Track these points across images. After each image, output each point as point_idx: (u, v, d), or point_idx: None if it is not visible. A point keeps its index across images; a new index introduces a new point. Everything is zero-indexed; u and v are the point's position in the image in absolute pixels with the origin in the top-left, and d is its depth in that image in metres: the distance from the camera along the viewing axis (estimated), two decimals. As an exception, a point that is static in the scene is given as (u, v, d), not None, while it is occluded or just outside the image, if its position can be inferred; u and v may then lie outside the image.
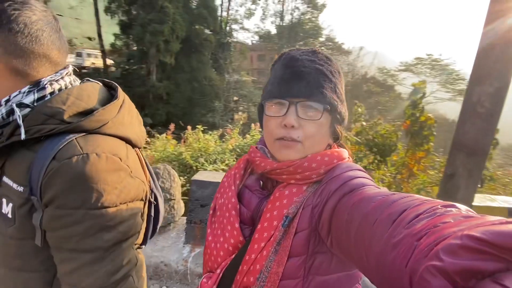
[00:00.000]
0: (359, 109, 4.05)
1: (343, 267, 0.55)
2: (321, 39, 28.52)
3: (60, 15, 26.24)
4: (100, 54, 20.28)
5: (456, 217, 0.29)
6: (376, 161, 3.51)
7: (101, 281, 0.56)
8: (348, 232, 0.43)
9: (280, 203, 0.56)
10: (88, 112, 0.58)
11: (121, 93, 0.67)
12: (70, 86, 0.61)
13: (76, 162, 0.52)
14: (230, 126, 4.41)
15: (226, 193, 0.65)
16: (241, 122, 4.59)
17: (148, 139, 4.08)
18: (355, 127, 3.79)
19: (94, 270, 0.56)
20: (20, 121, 0.52)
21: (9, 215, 0.55)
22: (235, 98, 22.36)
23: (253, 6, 27.54)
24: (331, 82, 0.58)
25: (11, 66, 0.52)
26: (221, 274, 0.58)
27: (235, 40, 24.65)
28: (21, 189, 0.54)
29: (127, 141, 0.65)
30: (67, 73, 0.62)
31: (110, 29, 22.24)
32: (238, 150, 3.93)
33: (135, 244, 0.70)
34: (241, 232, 0.59)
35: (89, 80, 0.66)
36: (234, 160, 3.46)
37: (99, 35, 19.39)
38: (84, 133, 0.56)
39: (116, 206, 0.57)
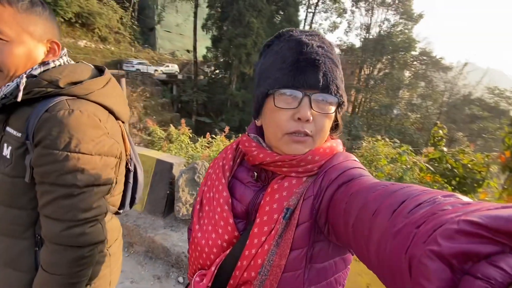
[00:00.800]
0: (440, 131, 3.40)
1: (339, 252, 0.55)
2: (413, 53, 25.54)
3: (169, 32, 31.57)
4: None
5: (455, 204, 0.30)
6: (455, 196, 2.86)
7: (71, 214, 0.67)
8: (346, 221, 0.43)
9: (279, 195, 0.54)
10: (79, 83, 0.72)
11: (107, 73, 0.82)
12: (67, 63, 0.76)
13: (63, 113, 0.65)
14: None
15: (215, 186, 0.61)
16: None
17: (210, 140, 4.42)
18: (431, 152, 3.19)
19: (67, 204, 0.66)
20: (21, 87, 0.66)
21: (8, 156, 0.68)
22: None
23: (338, 19, 26.89)
24: (340, 72, 0.55)
25: (25, 52, 0.68)
26: (215, 271, 0.56)
27: (314, 53, 24.50)
28: (19, 135, 0.67)
29: (110, 111, 0.78)
30: (64, 54, 0.78)
31: (204, 43, 25.40)
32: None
33: (110, 204, 0.82)
34: (235, 227, 0.56)
35: (82, 62, 0.82)
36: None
37: (194, 48, 22.35)
38: (74, 97, 0.70)
39: (91, 154, 0.68)
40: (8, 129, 0.70)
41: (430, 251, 0.26)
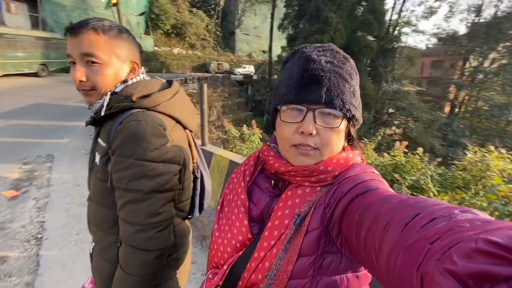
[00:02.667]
0: None
1: (352, 268, 0.53)
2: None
3: (247, 34, 33.27)
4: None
5: (473, 222, 0.29)
6: None
7: (140, 218, 0.72)
8: (358, 233, 0.43)
9: (292, 202, 0.55)
10: (148, 96, 0.79)
11: (175, 86, 0.88)
12: (142, 80, 0.85)
13: (131, 125, 0.72)
14: (366, 140, 3.89)
15: (236, 189, 0.65)
16: (377, 138, 3.96)
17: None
18: None
19: (136, 208, 0.72)
20: (104, 104, 0.75)
21: (98, 163, 0.78)
22: (391, 111, 19.62)
23: (436, 3, 22.84)
24: (350, 86, 0.55)
25: (112, 72, 0.79)
26: (227, 271, 0.58)
27: (402, 45, 21.47)
28: (104, 144, 0.76)
29: (177, 120, 0.84)
30: (142, 72, 0.86)
31: (280, 43, 25.70)
32: (369, 169, 3.44)
33: (179, 209, 0.86)
34: (250, 229, 0.58)
35: (155, 78, 0.90)
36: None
37: (270, 48, 22.88)
38: (144, 109, 0.77)
39: (155, 162, 0.73)
40: (99, 140, 0.81)
41: (445, 269, 0.25)
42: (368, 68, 20.52)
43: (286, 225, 0.53)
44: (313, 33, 17.81)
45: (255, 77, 25.65)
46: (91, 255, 0.91)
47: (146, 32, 24.10)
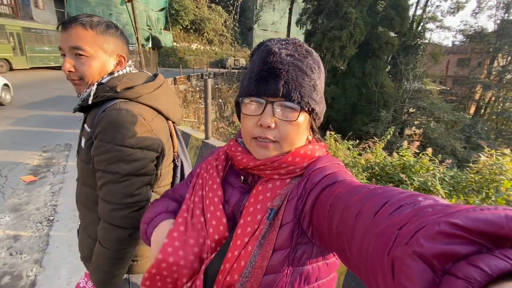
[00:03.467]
0: None
1: (322, 256, 0.55)
2: None
3: (265, 30, 33.05)
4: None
5: (435, 207, 0.31)
6: None
7: (117, 198, 0.78)
8: (330, 223, 0.44)
9: (263, 196, 0.55)
10: (132, 88, 0.84)
11: (159, 80, 0.93)
12: (128, 72, 0.90)
13: (112, 113, 0.77)
14: (375, 139, 3.80)
15: (209, 186, 0.63)
16: (387, 137, 3.85)
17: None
18: None
19: (114, 188, 0.78)
20: (91, 93, 0.82)
21: (83, 147, 0.85)
22: (411, 110, 18.86)
23: (464, -2, 21.60)
24: (311, 80, 0.55)
25: (99, 65, 0.85)
26: (201, 275, 0.54)
27: (426, 41, 20.49)
28: (89, 130, 0.83)
29: (159, 111, 0.89)
30: (128, 64, 0.92)
31: (298, 38, 25.31)
32: (376, 168, 3.36)
33: (158, 194, 0.92)
34: (227, 227, 0.57)
35: (142, 71, 0.95)
36: (361, 179, 2.99)
37: (287, 44, 22.60)
38: (127, 100, 0.83)
39: (133, 148, 0.78)
40: (85, 125, 0.88)
41: (413, 252, 0.26)
42: (389, 66, 19.81)
43: (259, 221, 0.53)
44: (331, 28, 17.41)
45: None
46: (78, 231, 0.99)
47: (166, 28, 24.59)
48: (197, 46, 27.81)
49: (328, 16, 18.41)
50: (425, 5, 20.71)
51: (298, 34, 25.07)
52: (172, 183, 1.00)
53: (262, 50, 0.56)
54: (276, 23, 30.69)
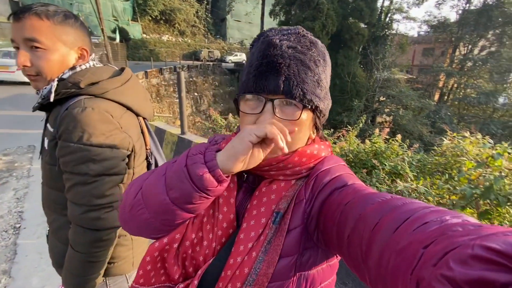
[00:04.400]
0: None
1: (326, 259, 0.53)
2: (536, 24, 19.70)
3: (238, 21, 32.51)
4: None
5: (465, 226, 0.28)
6: None
7: (87, 199, 0.75)
8: (340, 232, 0.42)
9: (267, 198, 0.52)
10: (96, 83, 0.79)
11: (126, 74, 0.88)
12: (92, 67, 0.84)
13: (76, 111, 0.73)
14: (348, 128, 3.94)
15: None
16: (359, 125, 4.03)
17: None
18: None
19: (83, 190, 0.74)
20: (52, 89, 0.75)
21: (46, 148, 0.80)
22: (381, 99, 19.74)
23: (427, -10, 22.60)
24: (314, 74, 0.50)
25: (58, 59, 0.78)
26: (196, 282, 0.50)
27: (394, 32, 21.36)
28: (52, 129, 0.78)
29: (127, 107, 0.85)
30: (91, 58, 0.86)
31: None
32: (350, 155, 3.50)
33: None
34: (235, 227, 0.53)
35: (108, 65, 0.90)
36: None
37: (261, 35, 22.46)
38: (92, 96, 0.78)
39: (102, 146, 0.75)
40: (48, 125, 0.82)
41: (442, 275, 0.24)
42: (360, 56, 20.44)
43: (263, 224, 0.49)
44: (304, 19, 17.56)
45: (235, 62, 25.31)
46: (47, 236, 0.94)
47: (134, 19, 23.31)
48: (168, 38, 26.73)
49: (300, 7, 18.51)
50: (392, -3, 21.47)
51: (272, 24, 24.92)
52: None
53: (262, 41, 0.51)
54: (250, 13, 30.32)
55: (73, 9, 17.27)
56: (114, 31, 19.91)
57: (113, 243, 0.82)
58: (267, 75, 0.48)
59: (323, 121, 0.57)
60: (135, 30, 23.08)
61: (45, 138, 0.82)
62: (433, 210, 0.34)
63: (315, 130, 0.58)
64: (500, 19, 19.59)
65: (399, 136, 3.78)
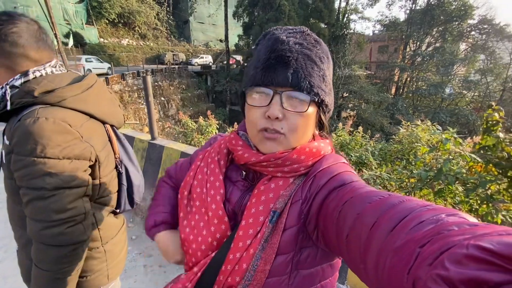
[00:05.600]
0: (496, 114, 2.95)
1: (327, 258, 0.54)
2: (471, 22, 22.23)
3: (202, 23, 32.09)
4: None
5: (461, 225, 0.29)
6: (511, 190, 2.48)
7: (46, 215, 0.70)
8: (339, 231, 0.42)
9: (265, 197, 0.53)
10: (53, 91, 0.75)
11: (89, 79, 0.84)
12: (50, 73, 0.79)
13: (28, 122, 0.69)
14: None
15: (211, 182, 0.59)
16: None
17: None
18: (482, 139, 2.80)
19: (40, 205, 0.70)
20: (7, 97, 0.72)
21: (4, 161, 0.77)
22: (345, 94, 20.83)
23: (378, -8, 24.39)
24: (320, 70, 0.52)
25: (2, 64, 0.74)
26: (199, 273, 0.54)
27: (351, 31, 22.67)
28: (8, 142, 0.74)
29: (91, 115, 0.81)
30: (50, 65, 0.80)
31: (236, 31, 25.30)
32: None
33: (102, 204, 0.87)
34: (229, 226, 0.55)
35: (70, 71, 0.86)
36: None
37: (226, 37, 22.47)
38: (47, 105, 0.73)
39: (58, 158, 0.71)
40: (4, 138, 0.77)
41: (437, 275, 0.25)
42: (322, 55, 21.27)
43: (261, 223, 0.51)
44: (267, 21, 17.90)
45: (213, 67, 25.09)
46: (17, 251, 0.88)
47: (89, 22, 21.89)
48: (128, 42, 25.51)
49: (263, 9, 18.84)
50: (348, -2, 22.77)
51: (236, 26, 25.05)
52: (118, 191, 0.94)
53: (269, 38, 0.53)
54: (213, 15, 30.11)
55: (17, 12, 15.71)
56: (67, 36, 18.48)
57: (81, 258, 0.79)
58: (276, 67, 0.50)
59: (328, 116, 0.58)
60: (91, 34, 21.68)
61: (3, 151, 0.77)
62: (429, 208, 0.34)
63: (317, 127, 0.58)
64: (442, 17, 21.81)
65: (360, 128, 4.06)
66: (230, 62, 23.56)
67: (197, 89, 21.61)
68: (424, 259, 0.27)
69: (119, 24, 25.00)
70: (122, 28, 25.56)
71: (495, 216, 2.30)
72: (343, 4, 22.59)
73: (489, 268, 0.22)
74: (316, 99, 0.51)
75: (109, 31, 24.42)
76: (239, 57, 24.66)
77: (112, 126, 0.92)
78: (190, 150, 2.66)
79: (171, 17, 29.94)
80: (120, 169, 0.93)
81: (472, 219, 0.31)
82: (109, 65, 16.32)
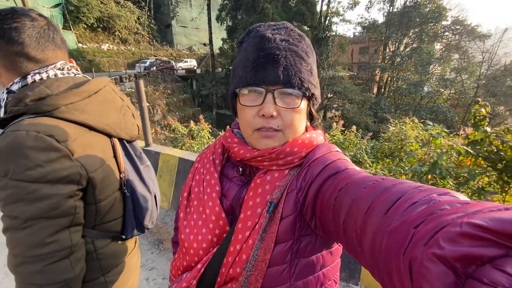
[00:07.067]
0: (482, 110, 3.08)
1: (326, 246, 0.55)
2: (444, 23, 23.38)
3: (185, 27, 31.79)
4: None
5: (453, 204, 0.29)
6: (501, 182, 2.59)
7: (21, 249, 0.59)
8: (336, 217, 0.43)
9: (262, 189, 0.54)
10: (44, 98, 0.64)
11: (92, 85, 0.73)
12: (53, 77, 0.69)
13: (7, 136, 0.58)
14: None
15: (207, 181, 0.61)
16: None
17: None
18: (471, 133, 2.91)
19: (15, 237, 0.60)
20: (1, 103, 0.66)
21: None
22: (329, 95, 21.25)
23: (358, -5, 25.19)
24: (307, 64, 0.53)
25: (1, 64, 0.66)
26: (202, 269, 0.55)
27: (333, 34, 23.23)
28: None
29: (90, 127, 0.70)
30: (55, 67, 0.70)
31: (220, 35, 25.24)
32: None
33: (104, 230, 0.75)
34: (227, 222, 0.56)
35: (79, 75, 0.75)
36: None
37: (210, 41, 22.32)
38: (37, 115, 0.63)
39: (37, 182, 0.59)
40: None
41: (433, 254, 0.25)
42: (306, 57, 21.64)
43: (259, 214, 0.52)
44: (251, 24, 17.95)
45: (198, 71, 24.88)
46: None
47: (66, 27, 21.11)
48: (109, 47, 24.80)
49: (246, 12, 18.94)
50: (329, 1, 23.32)
51: (220, 30, 25.01)
52: (124, 216, 0.80)
53: (254, 36, 0.54)
54: (196, 19, 29.89)
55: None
56: (43, 42, 17.74)
57: None
58: (266, 66, 0.51)
59: (317, 108, 0.59)
60: (68, 40, 20.89)
61: None
62: (421, 189, 0.34)
63: (308, 119, 0.59)
64: (417, 19, 22.78)
65: (354, 128, 4.14)
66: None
67: (183, 94, 21.32)
68: (419, 239, 0.28)
69: (99, 28, 24.27)
70: (102, 32, 24.83)
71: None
72: (324, 8, 23.11)
73: (482, 244, 0.23)
74: (307, 93, 0.53)
75: (88, 36, 23.64)
76: (224, 61, 24.58)
77: (121, 139, 0.82)
78: (188, 155, 2.60)
79: (153, 21, 29.44)
80: (126, 190, 0.80)
81: (462, 197, 0.31)
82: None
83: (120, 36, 25.91)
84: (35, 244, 0.60)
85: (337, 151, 0.56)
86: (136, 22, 27.12)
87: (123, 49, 26.05)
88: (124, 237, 0.82)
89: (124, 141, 0.84)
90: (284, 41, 0.52)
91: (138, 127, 0.89)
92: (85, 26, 23.10)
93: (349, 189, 0.43)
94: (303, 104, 0.53)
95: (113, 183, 0.76)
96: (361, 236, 0.37)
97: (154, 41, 29.67)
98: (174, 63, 23.59)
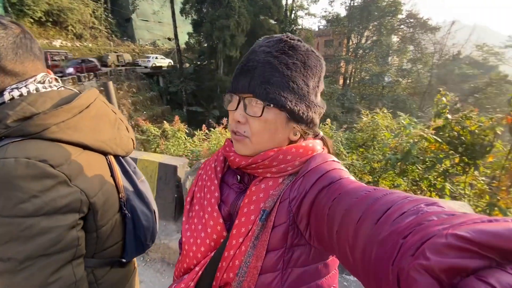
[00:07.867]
0: (444, 98, 3.33)
1: (321, 257, 0.55)
2: (400, 16, 24.95)
3: (146, 21, 30.14)
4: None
5: (439, 215, 0.30)
6: (462, 163, 2.84)
7: None
8: (330, 227, 0.44)
9: (256, 197, 0.55)
10: (30, 118, 0.57)
11: (85, 99, 0.66)
12: (33, 92, 0.61)
13: None
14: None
15: (207, 187, 0.63)
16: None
17: (207, 131, 4.30)
18: (435, 122, 3.14)
19: (13, 281, 0.52)
20: None
21: None
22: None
23: (319, -11, 25.82)
24: (283, 76, 0.53)
25: None
26: (200, 272, 0.57)
27: (300, 27, 23.67)
28: None
29: (84, 146, 0.64)
30: (35, 80, 0.62)
31: (185, 29, 24.33)
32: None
33: (104, 257, 0.69)
34: (225, 227, 0.58)
35: (63, 88, 0.67)
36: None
37: (175, 35, 21.44)
38: (23, 138, 0.55)
39: (33, 216, 0.52)
40: None
41: (419, 265, 0.26)
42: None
43: (252, 221, 0.53)
44: (218, 17, 17.61)
45: (164, 67, 23.73)
46: None
47: (8, 21, 18.81)
48: (62, 43, 22.67)
49: (212, 5, 18.47)
50: (294, -5, 23.64)
51: (185, 23, 24.09)
52: (125, 236, 0.75)
53: (250, 49, 0.58)
54: (158, 12, 28.50)
55: None
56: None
57: None
58: (240, 76, 0.55)
59: (309, 126, 0.57)
60: (13, 36, 18.68)
61: None
62: (410, 199, 0.35)
63: (297, 134, 0.58)
64: (376, 13, 24.01)
65: (328, 120, 4.27)
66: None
67: (149, 92, 20.34)
68: (406, 250, 0.28)
69: (48, 23, 22.00)
70: (52, 27, 22.57)
71: (448, 187, 2.63)
72: (290, 1, 23.38)
73: (466, 255, 0.24)
74: (272, 105, 0.52)
75: (36, 31, 21.35)
76: (192, 56, 23.70)
77: (116, 156, 0.75)
78: (168, 159, 2.49)
79: (110, 15, 27.43)
80: (126, 211, 0.74)
81: (448, 208, 0.32)
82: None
83: (74, 31, 23.76)
84: (37, 285, 0.53)
85: (333, 160, 0.55)
86: (91, 16, 25.04)
87: (78, 45, 23.97)
88: (124, 260, 0.76)
89: (120, 157, 0.78)
90: (265, 53, 0.54)
91: (133, 140, 0.82)
92: (32, 21, 20.81)
93: (341, 199, 0.44)
94: (271, 114, 0.53)
95: (114, 205, 0.70)
96: (353, 246, 0.38)
97: (113, 36, 27.70)
98: (110, 59, 21.44)
